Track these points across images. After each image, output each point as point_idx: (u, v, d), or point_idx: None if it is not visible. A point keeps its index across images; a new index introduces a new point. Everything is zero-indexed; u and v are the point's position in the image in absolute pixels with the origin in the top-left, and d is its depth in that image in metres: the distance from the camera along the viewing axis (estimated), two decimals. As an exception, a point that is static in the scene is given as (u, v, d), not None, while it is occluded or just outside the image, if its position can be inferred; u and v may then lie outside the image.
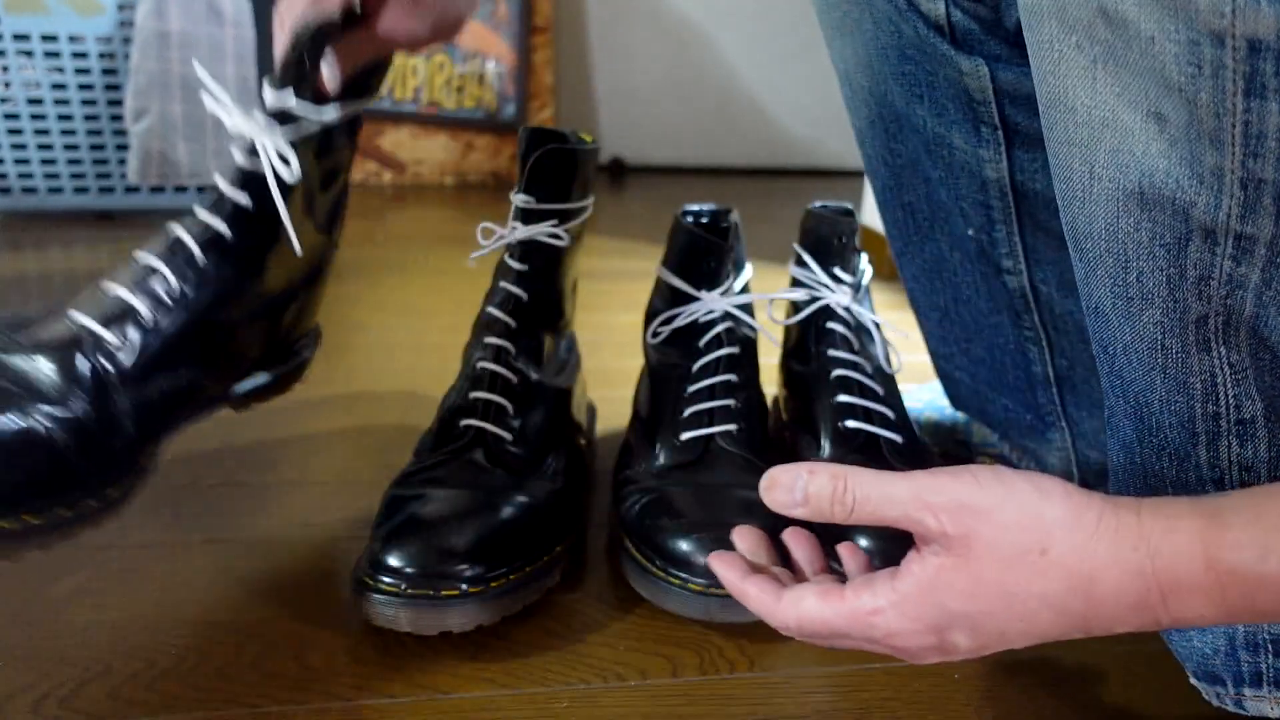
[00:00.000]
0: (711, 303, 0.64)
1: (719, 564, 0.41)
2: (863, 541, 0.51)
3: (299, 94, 0.49)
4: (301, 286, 0.57)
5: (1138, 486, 0.43)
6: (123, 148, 1.53)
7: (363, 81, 0.54)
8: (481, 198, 1.85)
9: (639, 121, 2.32)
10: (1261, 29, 0.29)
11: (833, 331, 0.65)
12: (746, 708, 0.47)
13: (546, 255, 0.62)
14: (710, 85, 2.34)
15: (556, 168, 0.61)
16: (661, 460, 0.59)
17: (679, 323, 0.65)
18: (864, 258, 0.68)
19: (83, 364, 0.44)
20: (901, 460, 0.59)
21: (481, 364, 0.59)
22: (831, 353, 0.64)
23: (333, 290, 1.20)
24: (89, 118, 1.50)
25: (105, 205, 1.56)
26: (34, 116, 1.48)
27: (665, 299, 0.67)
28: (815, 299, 0.66)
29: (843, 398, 0.62)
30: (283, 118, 0.49)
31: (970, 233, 0.60)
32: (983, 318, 0.64)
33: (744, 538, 0.43)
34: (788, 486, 0.36)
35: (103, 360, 0.44)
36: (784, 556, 0.43)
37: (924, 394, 0.80)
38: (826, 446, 0.61)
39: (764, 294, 0.66)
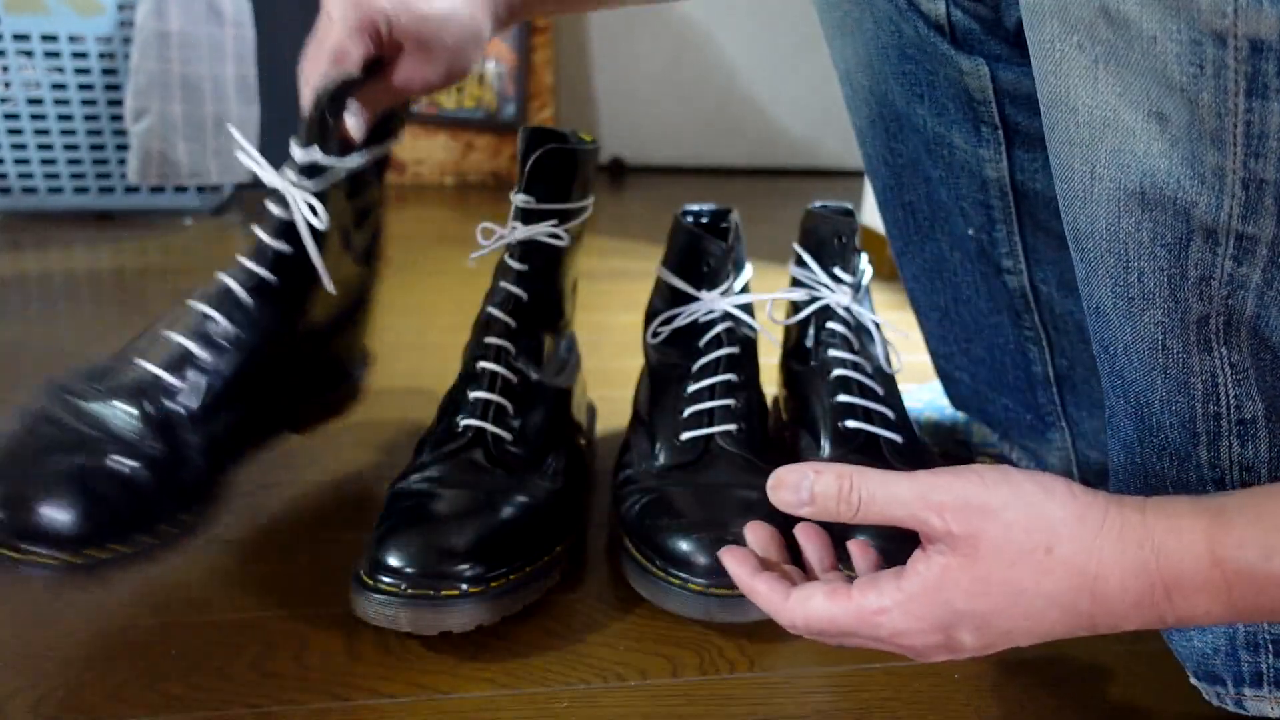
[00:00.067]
0: (711, 303, 0.64)
1: (730, 559, 0.41)
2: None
3: (324, 148, 0.54)
4: (346, 317, 0.62)
5: (1138, 486, 0.43)
6: (123, 148, 1.53)
7: (384, 127, 0.58)
8: (481, 198, 1.85)
9: (639, 121, 2.32)
10: (1263, 29, 0.29)
11: (833, 331, 0.65)
12: (746, 708, 0.47)
13: (546, 255, 0.62)
14: (710, 85, 2.34)
15: (556, 168, 0.61)
16: (661, 460, 0.59)
17: (679, 323, 0.65)
18: (864, 258, 0.68)
19: (152, 407, 0.48)
20: (901, 460, 0.59)
21: (481, 364, 0.59)
22: (831, 353, 0.64)
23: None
24: (89, 118, 1.50)
25: (105, 205, 1.56)
26: (34, 116, 1.48)
27: (665, 299, 0.67)
28: (815, 299, 0.66)
29: (843, 398, 0.62)
30: (310, 170, 0.54)
31: (970, 232, 0.60)
32: (983, 317, 0.64)
33: (755, 533, 0.43)
34: (794, 486, 0.37)
35: (169, 402, 0.49)
36: (795, 553, 0.44)
37: (924, 394, 0.80)
38: (826, 446, 0.61)
39: (764, 294, 0.66)
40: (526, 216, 0.61)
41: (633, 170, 2.35)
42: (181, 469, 0.49)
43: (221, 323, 0.52)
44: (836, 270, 0.66)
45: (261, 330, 0.54)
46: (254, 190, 1.77)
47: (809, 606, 0.37)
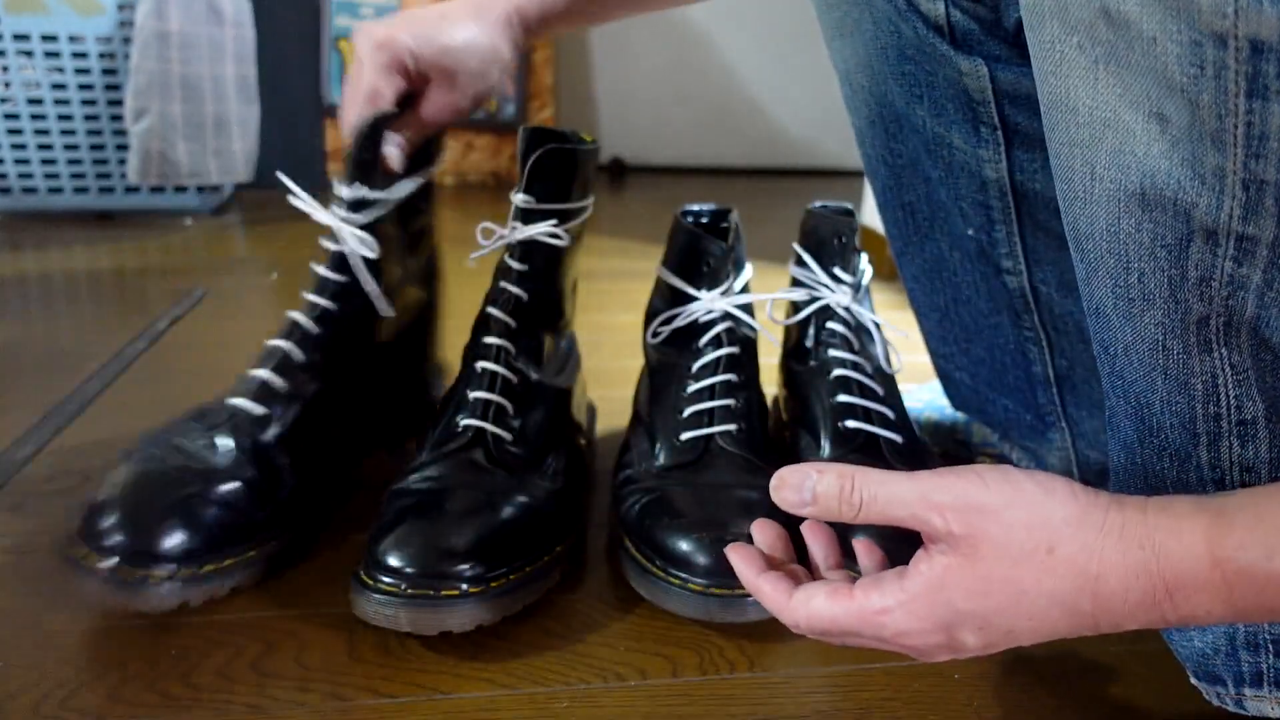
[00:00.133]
0: (711, 303, 0.64)
1: (736, 557, 0.41)
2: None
3: (368, 183, 0.59)
4: (413, 337, 0.68)
5: (1138, 487, 0.43)
6: (123, 148, 1.53)
7: (423, 154, 0.63)
8: (481, 197, 1.85)
9: (639, 121, 2.32)
10: (1264, 30, 0.29)
11: (833, 331, 0.65)
12: (746, 708, 0.47)
13: (546, 255, 0.62)
14: (710, 85, 2.34)
15: (556, 168, 0.61)
16: (661, 460, 0.59)
17: (679, 323, 0.65)
18: (864, 258, 0.68)
19: (244, 437, 0.55)
20: (901, 460, 0.59)
21: (481, 364, 0.59)
22: (831, 353, 0.64)
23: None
24: (89, 118, 1.50)
25: (105, 205, 1.56)
26: (34, 116, 1.48)
27: (665, 299, 0.67)
28: (815, 299, 0.66)
29: (843, 398, 0.62)
30: (356, 205, 0.59)
31: (970, 233, 0.60)
32: (982, 318, 0.64)
33: (761, 531, 0.44)
34: (796, 486, 0.37)
35: (258, 430, 0.56)
36: (802, 551, 0.44)
37: (924, 394, 0.80)
38: (826, 446, 0.61)
39: (764, 294, 0.66)
40: (526, 216, 0.61)
41: (633, 170, 2.35)
42: (276, 489, 0.55)
43: (294, 353, 0.58)
44: (836, 270, 0.66)
45: (331, 356, 0.60)
46: (253, 190, 1.77)
47: (812, 607, 0.37)
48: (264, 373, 0.58)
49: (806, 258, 0.67)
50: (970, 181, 0.58)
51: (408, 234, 0.64)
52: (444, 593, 0.48)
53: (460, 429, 0.57)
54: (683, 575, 0.51)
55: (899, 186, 0.64)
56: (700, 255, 0.65)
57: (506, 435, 0.57)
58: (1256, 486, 0.36)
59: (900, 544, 0.41)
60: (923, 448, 0.61)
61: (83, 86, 1.48)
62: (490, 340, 0.60)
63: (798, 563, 0.43)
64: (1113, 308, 0.39)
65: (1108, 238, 0.37)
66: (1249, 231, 0.33)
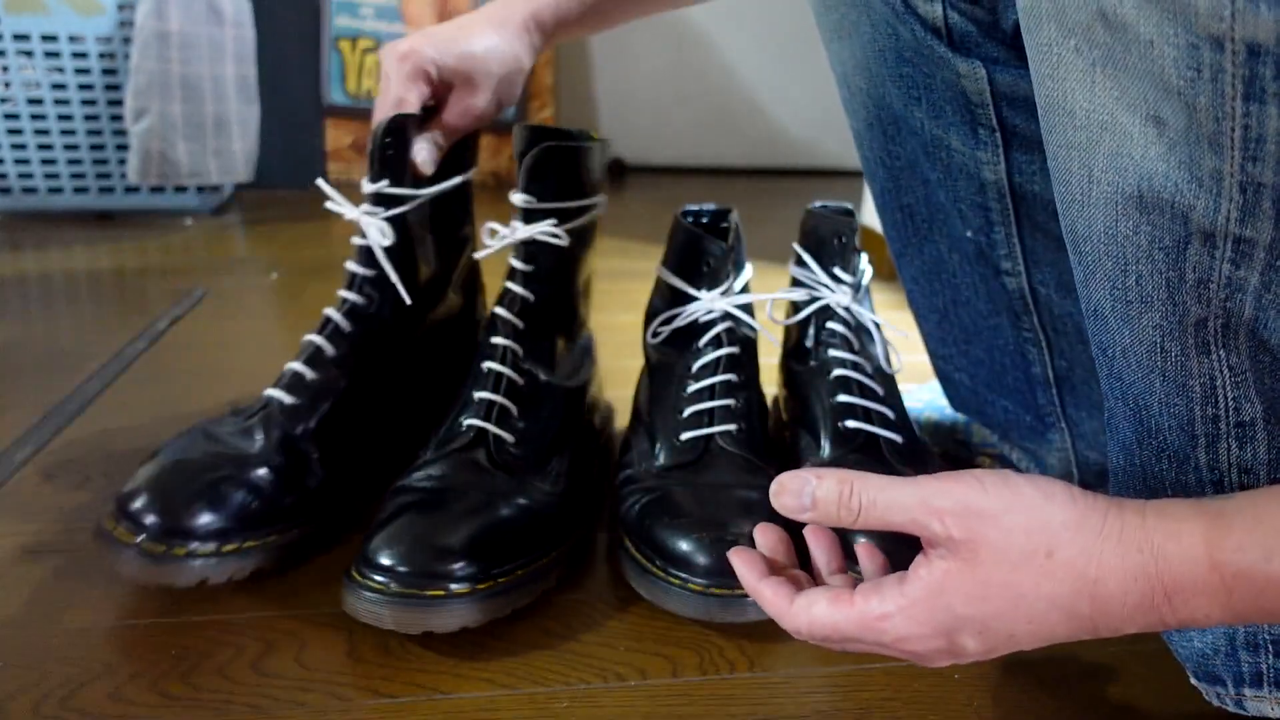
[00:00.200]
0: (711, 303, 0.64)
1: (738, 561, 0.41)
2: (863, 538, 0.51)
3: (393, 180, 0.62)
4: (451, 342, 0.70)
5: (1137, 488, 0.43)
6: (123, 148, 1.53)
7: (455, 160, 0.66)
8: (482, 197, 1.85)
9: (639, 121, 2.32)
10: (1261, 33, 0.29)
11: (833, 331, 0.65)
12: (746, 708, 0.47)
13: (551, 255, 0.62)
14: (710, 86, 2.34)
15: (554, 166, 0.61)
16: (661, 460, 0.59)
17: (679, 323, 0.65)
18: (864, 258, 0.68)
19: (275, 428, 0.57)
20: (901, 460, 0.59)
21: (487, 364, 0.59)
22: (831, 353, 0.64)
23: (334, 290, 1.20)
24: (89, 118, 1.50)
25: (105, 205, 1.56)
26: (34, 116, 1.48)
27: (665, 299, 0.67)
28: (815, 299, 0.66)
29: (843, 398, 0.62)
30: (377, 199, 0.62)
31: (969, 234, 0.60)
32: (982, 319, 0.64)
33: (764, 535, 0.44)
34: (795, 492, 0.37)
35: (289, 420, 0.58)
36: (804, 554, 0.44)
37: (924, 394, 0.80)
38: (826, 446, 0.61)
39: (764, 294, 0.66)
40: (527, 216, 0.61)
41: (633, 170, 2.35)
42: (304, 477, 0.57)
43: (325, 347, 0.61)
44: (836, 270, 0.66)
45: (362, 350, 0.62)
46: (253, 190, 1.77)
47: (813, 613, 0.37)
48: (297, 365, 0.60)
49: (806, 258, 0.67)
50: (969, 183, 0.58)
51: (446, 242, 0.67)
52: (429, 593, 0.48)
53: (463, 429, 0.57)
54: (683, 575, 0.51)
55: (897, 188, 0.64)
56: (700, 255, 0.65)
57: (509, 437, 0.57)
58: (1255, 489, 0.36)
59: (901, 546, 0.41)
60: (923, 448, 0.61)
61: (83, 86, 1.48)
62: (497, 341, 0.60)
63: (800, 567, 0.43)
64: (1110, 310, 0.39)
65: (1105, 240, 0.37)
66: (1246, 234, 0.33)
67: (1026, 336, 0.62)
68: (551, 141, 0.60)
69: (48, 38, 1.44)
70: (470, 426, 0.57)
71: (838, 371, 0.63)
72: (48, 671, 0.47)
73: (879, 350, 0.66)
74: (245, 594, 0.54)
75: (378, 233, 0.61)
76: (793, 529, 0.45)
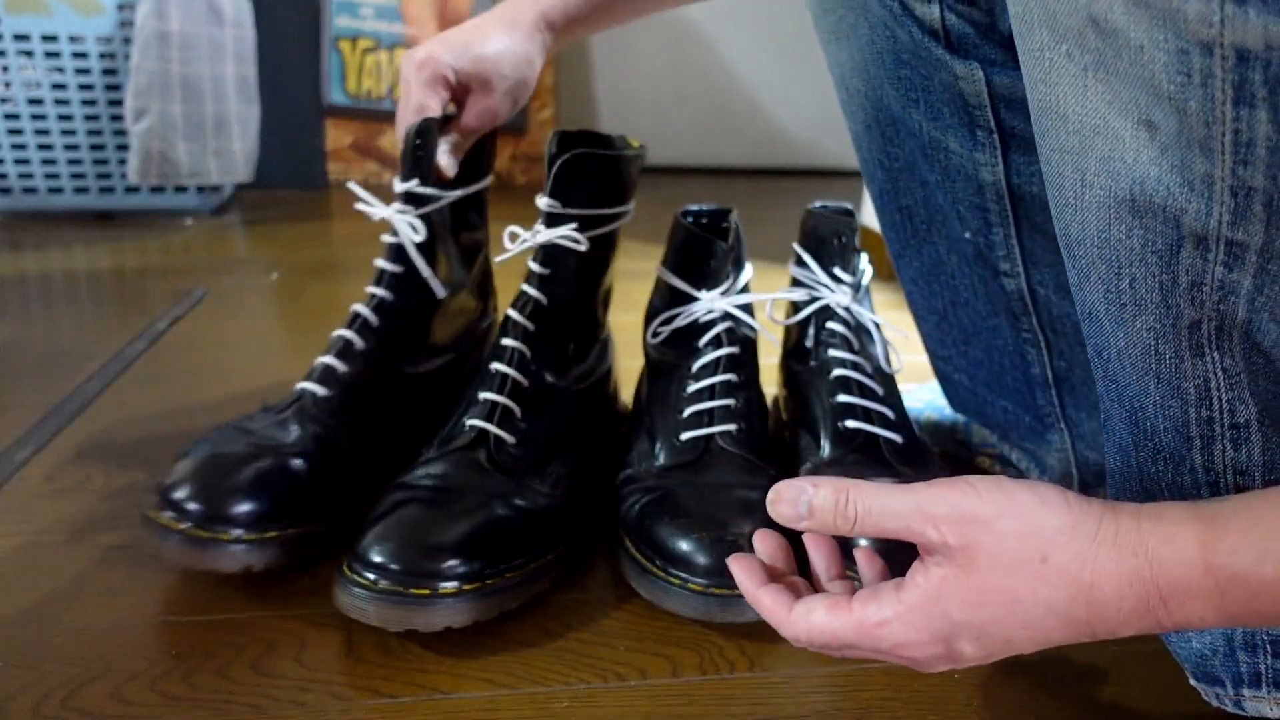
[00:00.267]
0: (711, 303, 0.64)
1: (737, 568, 0.41)
2: (864, 542, 0.51)
3: (422, 180, 0.64)
4: (468, 345, 0.71)
5: (1134, 490, 0.43)
6: (123, 148, 1.53)
7: (473, 165, 0.68)
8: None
9: (639, 122, 2.32)
10: (1249, 39, 0.29)
11: (833, 331, 0.65)
12: (746, 708, 0.47)
13: (569, 260, 0.62)
14: (710, 86, 2.34)
15: (580, 172, 0.60)
16: (661, 460, 0.59)
17: (679, 323, 0.65)
18: (864, 258, 0.68)
19: (309, 420, 0.59)
20: (901, 460, 0.59)
21: (494, 365, 0.59)
22: (831, 353, 0.64)
23: (334, 290, 1.20)
24: (89, 118, 1.50)
25: (105, 205, 1.56)
26: (34, 116, 1.48)
27: (665, 299, 0.67)
28: (815, 299, 0.66)
29: (843, 398, 0.62)
30: (407, 198, 0.64)
31: (967, 236, 0.60)
32: (981, 320, 0.64)
33: (764, 542, 0.44)
34: (792, 501, 0.37)
35: (319, 411, 0.59)
36: (804, 559, 0.44)
37: (924, 394, 0.80)
38: (826, 446, 0.61)
39: (764, 294, 0.66)
40: (549, 220, 0.61)
41: (633, 170, 2.34)
42: (336, 463, 0.58)
43: (354, 340, 0.63)
44: (836, 270, 0.66)
45: (388, 343, 0.64)
46: (253, 190, 1.77)
47: (811, 620, 0.37)
48: (329, 359, 0.62)
49: (806, 258, 0.67)
50: (967, 185, 0.58)
51: (462, 247, 0.69)
52: (415, 591, 0.48)
53: (465, 428, 0.57)
54: (683, 575, 0.51)
55: (896, 190, 0.64)
56: (700, 255, 0.65)
57: (509, 438, 0.57)
58: (1250, 491, 0.36)
59: (902, 549, 0.41)
60: (923, 448, 0.61)
61: (83, 86, 1.48)
62: (506, 342, 0.60)
63: (799, 573, 0.43)
64: (1105, 313, 0.39)
65: (1099, 244, 0.37)
66: (1238, 237, 0.33)
67: (1025, 337, 0.63)
68: (583, 148, 0.60)
69: (48, 38, 1.44)
70: (472, 426, 0.57)
71: (838, 371, 0.63)
72: (48, 671, 0.47)
73: (879, 350, 0.66)
74: (245, 594, 0.54)
75: (409, 229, 0.63)
76: (793, 534, 0.45)
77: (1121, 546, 0.33)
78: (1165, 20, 0.30)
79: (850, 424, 0.61)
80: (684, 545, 0.51)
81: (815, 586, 0.42)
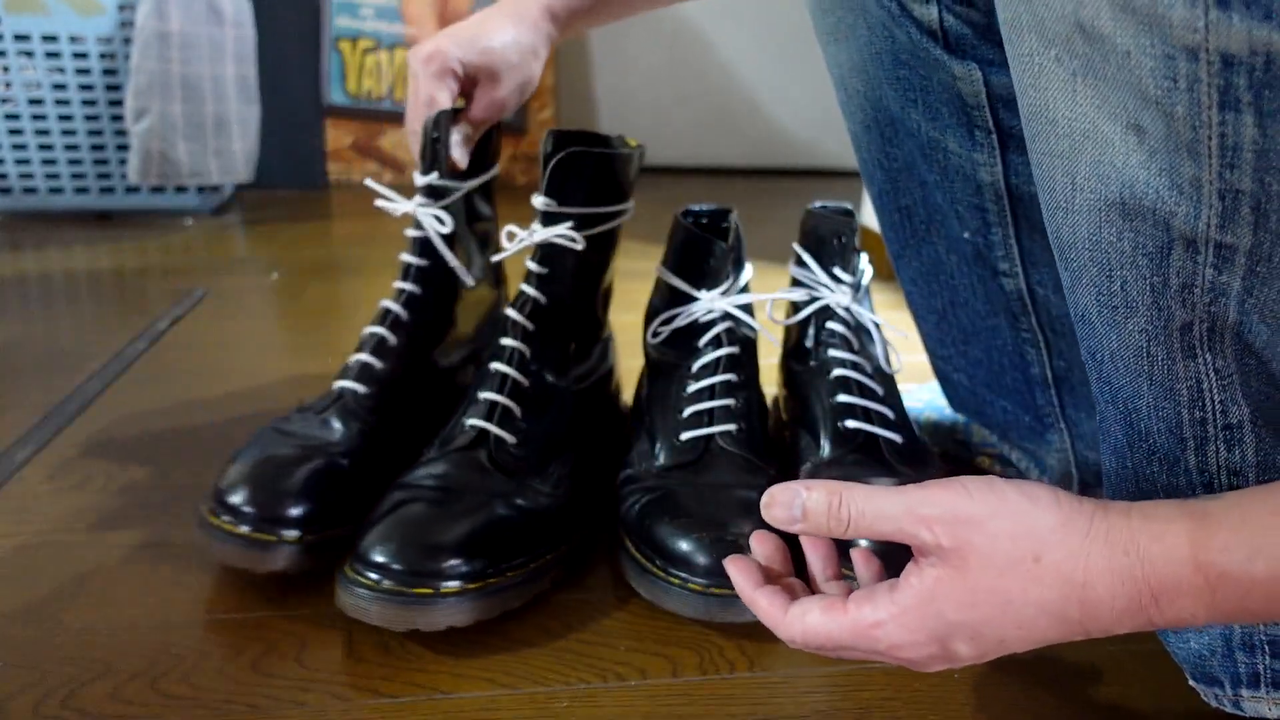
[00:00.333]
0: (711, 303, 0.64)
1: (734, 570, 0.41)
2: (864, 543, 0.51)
3: (441, 173, 0.64)
4: (485, 336, 0.72)
5: (1130, 491, 0.43)
6: (123, 148, 1.53)
7: (481, 156, 0.69)
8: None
9: (639, 122, 2.32)
10: (1234, 44, 0.29)
11: (833, 331, 0.65)
12: (746, 708, 0.47)
13: (567, 259, 0.62)
14: (710, 86, 2.34)
15: (576, 171, 0.60)
16: (661, 460, 0.59)
17: (679, 323, 0.65)
18: (864, 258, 0.68)
19: (350, 416, 0.60)
20: (901, 460, 0.59)
21: (494, 364, 0.59)
22: (831, 353, 0.64)
23: (334, 290, 1.20)
24: (89, 118, 1.51)
25: (105, 205, 1.56)
26: (34, 116, 1.49)
27: (665, 299, 0.67)
28: (815, 299, 0.66)
29: (842, 397, 0.62)
30: (429, 191, 0.65)
31: (966, 236, 0.60)
32: (980, 320, 0.65)
33: (761, 544, 0.44)
34: (785, 504, 0.38)
35: (356, 406, 0.61)
36: (801, 560, 0.44)
37: (924, 394, 0.80)
38: (826, 446, 0.61)
39: (764, 294, 0.66)
40: (546, 219, 0.61)
41: (633, 170, 2.34)
42: (382, 460, 0.59)
43: (386, 335, 0.64)
44: (836, 270, 0.66)
45: (418, 337, 0.65)
46: (253, 190, 1.77)
47: (807, 622, 0.37)
48: (364, 356, 0.63)
49: (806, 258, 0.67)
50: (966, 185, 0.58)
51: (477, 236, 0.70)
52: (415, 590, 0.48)
53: (465, 428, 0.57)
54: (683, 575, 0.51)
55: (895, 190, 0.64)
56: (700, 255, 0.65)
57: (510, 438, 0.57)
58: (1241, 490, 0.36)
59: (898, 551, 0.41)
60: (923, 448, 0.62)
61: (83, 87, 1.48)
62: (506, 342, 0.60)
63: (797, 574, 0.43)
64: (1097, 315, 0.39)
65: (1090, 246, 0.37)
66: (1227, 240, 0.33)
67: (1025, 337, 0.63)
68: (578, 146, 0.60)
69: (48, 38, 1.44)
70: (472, 426, 0.57)
71: (837, 371, 0.63)
72: (48, 671, 0.47)
73: (879, 350, 0.66)
74: (245, 594, 0.54)
75: (436, 221, 0.64)
76: (791, 535, 0.45)
77: (1113, 544, 0.33)
78: (1151, 26, 0.31)
79: (850, 424, 0.61)
80: (684, 545, 0.51)
81: (812, 588, 0.42)
